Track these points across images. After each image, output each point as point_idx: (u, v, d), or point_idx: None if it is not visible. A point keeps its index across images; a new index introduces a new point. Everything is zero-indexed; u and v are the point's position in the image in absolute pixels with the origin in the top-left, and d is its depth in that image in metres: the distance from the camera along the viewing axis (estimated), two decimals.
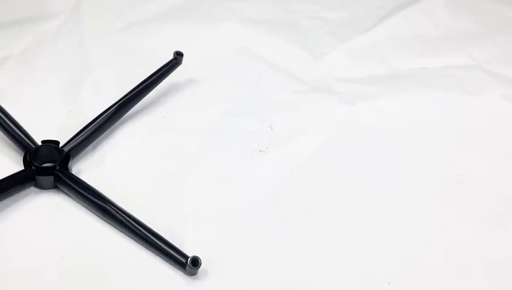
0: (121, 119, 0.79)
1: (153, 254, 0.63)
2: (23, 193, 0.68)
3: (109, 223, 0.66)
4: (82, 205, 0.68)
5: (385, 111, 0.87)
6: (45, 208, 0.68)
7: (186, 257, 0.61)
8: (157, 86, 0.82)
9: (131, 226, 0.64)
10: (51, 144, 0.72)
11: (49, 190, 0.69)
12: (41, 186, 0.69)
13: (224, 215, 0.69)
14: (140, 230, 0.64)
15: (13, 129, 0.73)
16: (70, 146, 0.72)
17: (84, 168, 0.73)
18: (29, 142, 0.72)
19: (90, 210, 0.67)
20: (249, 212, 0.70)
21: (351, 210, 0.71)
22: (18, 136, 0.73)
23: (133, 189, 0.71)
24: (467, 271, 0.65)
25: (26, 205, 0.68)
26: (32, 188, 0.69)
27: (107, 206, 0.66)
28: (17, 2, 1.03)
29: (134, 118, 0.82)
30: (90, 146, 0.76)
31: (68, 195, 0.69)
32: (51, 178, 0.68)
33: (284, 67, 0.95)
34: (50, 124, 0.79)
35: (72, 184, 0.68)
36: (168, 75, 0.83)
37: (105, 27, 1.00)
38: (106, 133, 0.77)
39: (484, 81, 0.95)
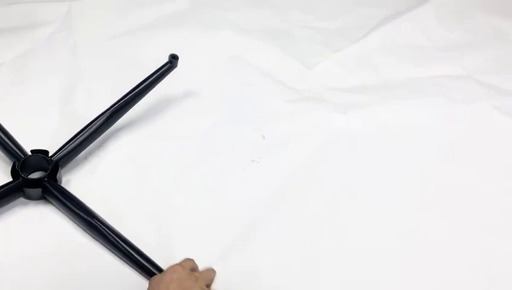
0: (112, 129, 0.79)
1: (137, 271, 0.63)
2: (11, 203, 0.68)
3: (94, 238, 0.66)
4: (68, 217, 0.67)
5: (377, 120, 0.88)
6: (32, 219, 0.67)
7: (161, 270, 0.61)
8: (150, 95, 0.82)
9: (115, 243, 0.64)
10: (39, 154, 0.71)
11: (38, 201, 0.69)
12: (30, 197, 0.69)
13: (215, 226, 0.69)
14: (124, 247, 0.63)
15: (2, 138, 0.72)
16: (60, 155, 0.71)
17: (74, 178, 0.73)
18: (18, 151, 0.71)
19: (76, 223, 0.67)
20: (240, 222, 0.70)
21: (344, 218, 0.72)
22: (7, 145, 0.72)
23: (123, 200, 0.71)
24: (457, 279, 0.66)
25: (13, 216, 0.67)
26: (21, 198, 0.69)
27: (92, 221, 0.65)
28: (8, 11, 1.02)
29: (126, 127, 0.82)
30: (82, 155, 0.75)
31: (56, 206, 0.68)
32: (38, 190, 0.68)
33: (276, 77, 0.95)
34: (42, 132, 0.79)
35: (59, 196, 0.67)
36: (162, 79, 0.81)
37: (97, 35, 0.99)
38: (98, 142, 0.77)
39: (475, 90, 0.95)
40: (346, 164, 0.79)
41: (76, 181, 0.72)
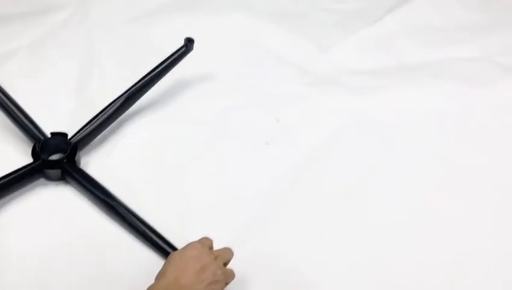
0: (128, 112, 0.79)
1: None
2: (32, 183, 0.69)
3: (111, 218, 0.67)
4: (86, 197, 0.69)
5: (393, 102, 0.87)
6: (52, 199, 0.69)
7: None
8: (165, 78, 0.82)
9: (132, 223, 0.65)
10: (58, 136, 0.72)
11: (57, 182, 0.70)
12: (50, 178, 0.70)
13: (230, 208, 0.70)
14: (140, 227, 0.65)
15: (22, 120, 0.74)
16: (78, 138, 0.73)
17: (92, 161, 0.74)
18: (38, 133, 0.73)
19: (94, 203, 0.68)
20: (255, 204, 0.70)
21: (358, 202, 0.72)
22: (27, 127, 0.74)
23: (139, 182, 0.72)
24: (474, 266, 0.65)
25: (34, 196, 0.69)
26: (42, 179, 0.70)
27: (110, 201, 0.67)
28: None
29: (141, 111, 0.82)
30: (98, 138, 0.76)
31: (74, 187, 0.70)
32: (58, 171, 0.69)
33: (291, 60, 0.95)
34: (59, 115, 0.80)
35: (78, 177, 0.69)
36: (178, 62, 0.81)
37: (112, 19, 1.00)
38: (114, 125, 0.78)
39: (494, 72, 0.93)
40: (361, 148, 0.79)
41: (94, 163, 0.74)
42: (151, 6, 1.03)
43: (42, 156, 0.69)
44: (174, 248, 0.63)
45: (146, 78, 0.79)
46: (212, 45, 0.95)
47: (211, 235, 0.63)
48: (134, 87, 0.78)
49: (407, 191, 0.74)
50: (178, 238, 0.64)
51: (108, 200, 0.67)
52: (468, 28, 1.03)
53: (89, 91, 0.85)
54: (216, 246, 0.59)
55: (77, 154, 0.71)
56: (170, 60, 0.80)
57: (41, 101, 0.82)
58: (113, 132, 0.78)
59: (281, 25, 1.01)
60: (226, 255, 0.59)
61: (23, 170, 0.68)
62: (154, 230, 0.65)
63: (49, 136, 0.73)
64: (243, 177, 0.74)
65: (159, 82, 0.81)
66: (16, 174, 0.67)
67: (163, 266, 0.54)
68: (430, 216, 0.71)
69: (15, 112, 0.74)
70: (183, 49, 0.81)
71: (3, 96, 0.76)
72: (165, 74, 0.80)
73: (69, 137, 0.73)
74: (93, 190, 0.68)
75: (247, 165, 0.76)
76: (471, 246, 0.67)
